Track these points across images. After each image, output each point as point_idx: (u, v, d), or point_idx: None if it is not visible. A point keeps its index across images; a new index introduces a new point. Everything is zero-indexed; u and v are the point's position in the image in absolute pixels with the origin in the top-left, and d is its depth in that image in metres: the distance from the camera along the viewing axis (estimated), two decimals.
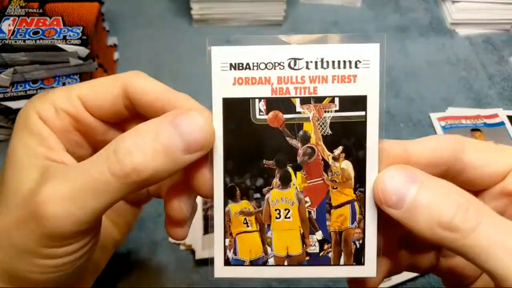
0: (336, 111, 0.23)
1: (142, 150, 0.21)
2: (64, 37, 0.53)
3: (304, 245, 0.24)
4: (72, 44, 0.52)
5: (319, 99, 0.23)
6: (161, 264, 0.47)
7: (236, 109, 0.23)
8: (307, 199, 0.24)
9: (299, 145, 0.23)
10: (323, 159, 0.23)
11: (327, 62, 0.22)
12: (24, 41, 0.52)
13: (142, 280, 0.46)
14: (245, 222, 0.24)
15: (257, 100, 0.23)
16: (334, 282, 0.46)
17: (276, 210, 0.24)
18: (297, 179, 0.24)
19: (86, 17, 0.56)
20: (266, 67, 0.23)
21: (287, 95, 0.23)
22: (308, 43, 0.23)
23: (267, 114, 0.23)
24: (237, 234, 0.24)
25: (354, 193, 0.23)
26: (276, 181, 0.24)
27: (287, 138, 0.23)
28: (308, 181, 0.24)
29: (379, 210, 0.23)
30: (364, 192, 0.23)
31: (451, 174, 0.23)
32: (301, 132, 0.23)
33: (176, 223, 0.26)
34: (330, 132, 0.23)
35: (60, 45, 0.52)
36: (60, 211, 0.21)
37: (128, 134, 0.22)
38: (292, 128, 0.23)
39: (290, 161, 0.24)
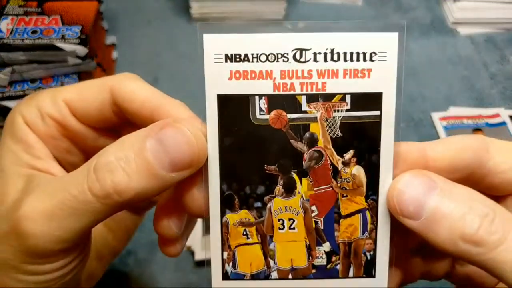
0: (347, 110, 0.20)
1: (124, 168, 0.19)
2: (63, 36, 0.53)
3: (310, 258, 0.22)
4: (71, 43, 0.52)
5: (328, 97, 0.20)
6: (161, 264, 0.47)
7: (233, 108, 0.20)
8: (313, 208, 0.22)
9: (305, 148, 0.21)
10: (332, 164, 0.21)
11: (338, 53, 0.20)
12: (23, 40, 0.52)
13: (141, 281, 0.46)
14: (244, 233, 0.22)
15: (257, 98, 0.20)
16: None
17: (279, 220, 0.22)
18: (302, 187, 0.22)
19: (84, 16, 0.56)
20: (267, 59, 0.20)
21: (292, 92, 0.20)
22: (316, 31, 0.20)
23: (268, 113, 0.20)
24: (236, 246, 0.22)
25: (366, 201, 0.21)
26: (279, 188, 0.22)
27: (292, 141, 0.21)
28: (315, 189, 0.22)
29: (393, 219, 0.21)
30: (376, 201, 0.21)
31: (474, 179, 0.21)
32: (307, 134, 0.21)
33: (167, 240, 0.24)
34: (340, 134, 0.21)
35: (58, 44, 0.52)
36: (39, 229, 0.20)
37: (110, 148, 0.20)
38: (297, 130, 0.21)
39: (294, 166, 0.21)
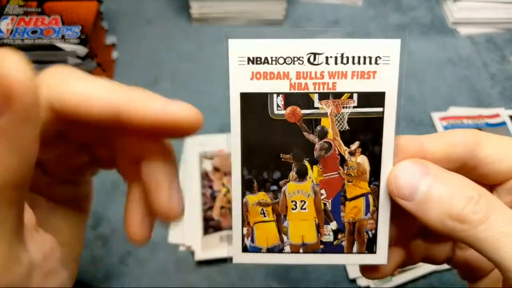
0: (354, 107, 0.23)
1: None
2: (63, 36, 0.53)
3: (319, 234, 0.25)
4: (71, 43, 0.52)
5: (338, 95, 0.23)
6: (161, 264, 0.47)
7: (254, 104, 0.23)
8: (322, 191, 0.24)
9: (316, 140, 0.24)
10: (340, 154, 0.24)
11: (347, 57, 0.22)
12: (23, 40, 0.52)
13: (142, 281, 0.46)
14: (262, 212, 0.25)
15: (275, 95, 0.23)
16: (334, 283, 0.46)
17: (292, 201, 0.25)
18: (313, 173, 0.24)
19: (84, 16, 0.56)
20: (285, 61, 0.22)
21: (306, 91, 0.23)
22: (328, 38, 0.22)
23: (285, 109, 0.23)
24: (254, 223, 0.25)
25: (369, 186, 0.24)
26: (292, 174, 0.24)
27: (305, 133, 0.23)
28: (324, 175, 0.24)
29: (392, 202, 0.23)
30: (378, 186, 0.24)
31: (466, 168, 0.24)
32: (318, 127, 0.23)
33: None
34: (347, 127, 0.23)
35: (58, 44, 0.52)
36: None
37: None
38: (310, 123, 0.23)
39: (307, 155, 0.24)
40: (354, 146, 0.24)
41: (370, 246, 0.25)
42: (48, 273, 0.19)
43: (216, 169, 0.53)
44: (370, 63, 0.22)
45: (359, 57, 0.22)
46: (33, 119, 0.15)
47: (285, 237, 0.25)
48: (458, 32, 0.73)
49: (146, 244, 0.22)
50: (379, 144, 0.23)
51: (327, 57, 0.22)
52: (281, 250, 0.25)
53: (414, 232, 0.27)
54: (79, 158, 0.22)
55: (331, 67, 0.22)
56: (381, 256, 0.25)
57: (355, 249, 0.25)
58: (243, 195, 0.24)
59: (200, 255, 0.47)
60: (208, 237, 0.48)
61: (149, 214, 0.21)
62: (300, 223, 0.25)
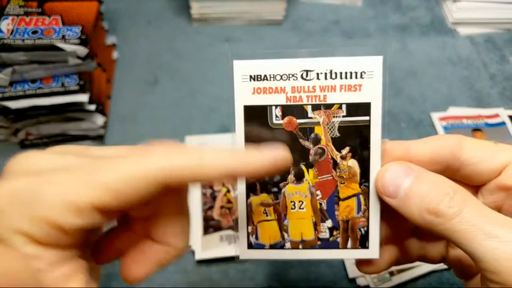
0: (343, 116, 0.26)
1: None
2: (63, 36, 0.53)
3: (316, 232, 0.27)
4: (71, 44, 0.52)
5: (328, 106, 0.26)
6: None
7: (255, 115, 0.26)
8: (318, 192, 0.27)
9: (311, 146, 0.26)
10: (332, 158, 0.26)
11: (335, 73, 0.25)
12: (23, 40, 0.52)
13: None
14: (264, 212, 0.27)
15: (273, 107, 0.26)
16: (334, 282, 0.46)
17: (291, 202, 0.27)
18: (309, 176, 0.27)
19: (85, 16, 0.56)
20: (281, 78, 0.25)
21: (300, 103, 0.26)
22: (319, 56, 0.25)
23: (282, 119, 0.26)
24: (258, 222, 0.27)
25: (360, 187, 0.26)
26: (291, 177, 0.27)
27: (300, 140, 0.26)
28: (319, 177, 0.27)
29: (382, 201, 0.26)
30: (368, 186, 0.26)
31: (451, 170, 0.25)
32: (312, 135, 0.26)
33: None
34: (338, 134, 0.26)
35: (59, 45, 0.52)
36: None
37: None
38: (305, 131, 0.26)
39: (303, 159, 0.26)
40: (345, 151, 0.26)
41: (363, 242, 0.27)
42: None
43: None
44: (356, 77, 0.25)
45: (346, 73, 0.25)
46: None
47: (285, 234, 0.27)
48: (457, 32, 0.73)
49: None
50: (367, 148, 0.26)
51: (317, 74, 0.25)
52: (282, 247, 0.27)
53: (407, 231, 0.28)
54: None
55: (322, 82, 0.25)
56: (373, 251, 0.27)
57: (349, 245, 0.27)
58: (248, 196, 0.27)
59: (200, 255, 0.47)
60: (208, 237, 0.48)
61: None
62: (299, 221, 0.27)
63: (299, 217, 0.27)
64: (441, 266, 0.46)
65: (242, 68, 0.25)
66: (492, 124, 0.59)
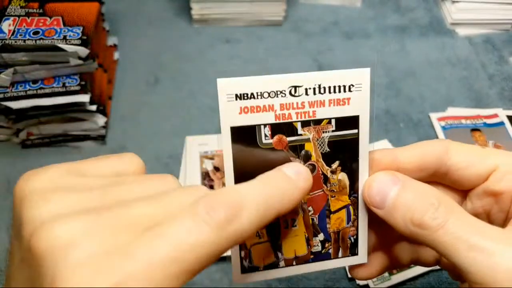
0: (332, 131, 0.25)
1: None
2: (64, 37, 0.53)
3: (309, 246, 0.27)
4: (72, 44, 0.52)
5: (318, 121, 0.25)
6: None
7: (243, 136, 0.24)
8: (310, 208, 0.26)
9: (301, 163, 0.25)
10: (323, 173, 0.26)
11: (324, 88, 0.24)
12: (24, 41, 0.52)
13: None
14: (257, 234, 0.26)
15: (262, 126, 0.24)
16: (333, 281, 0.46)
17: (284, 221, 0.26)
18: None
19: (86, 17, 0.56)
20: (269, 95, 0.24)
21: (289, 120, 0.25)
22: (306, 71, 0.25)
23: (272, 138, 0.25)
24: (251, 245, 0.26)
25: (349, 198, 0.26)
26: None
27: (291, 158, 0.25)
28: (310, 193, 0.26)
29: (369, 209, 0.26)
30: (357, 197, 0.26)
31: (438, 175, 0.26)
32: (303, 152, 0.25)
33: None
34: (328, 149, 0.25)
35: (60, 45, 0.52)
36: None
37: None
38: (295, 149, 0.25)
39: None
40: (335, 165, 0.26)
41: (353, 250, 0.27)
42: None
43: (216, 169, 0.54)
44: (345, 91, 0.25)
45: (334, 87, 0.24)
46: None
47: (279, 253, 0.27)
48: (456, 33, 0.74)
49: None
50: (356, 160, 0.26)
51: (306, 89, 0.24)
52: (276, 266, 0.27)
53: (395, 237, 0.28)
54: None
55: (310, 97, 0.24)
56: (362, 256, 0.27)
57: (340, 254, 0.27)
58: None
59: None
60: None
61: None
62: (292, 239, 0.27)
63: (292, 235, 0.26)
64: None
65: (227, 87, 0.23)
66: (491, 124, 0.59)
